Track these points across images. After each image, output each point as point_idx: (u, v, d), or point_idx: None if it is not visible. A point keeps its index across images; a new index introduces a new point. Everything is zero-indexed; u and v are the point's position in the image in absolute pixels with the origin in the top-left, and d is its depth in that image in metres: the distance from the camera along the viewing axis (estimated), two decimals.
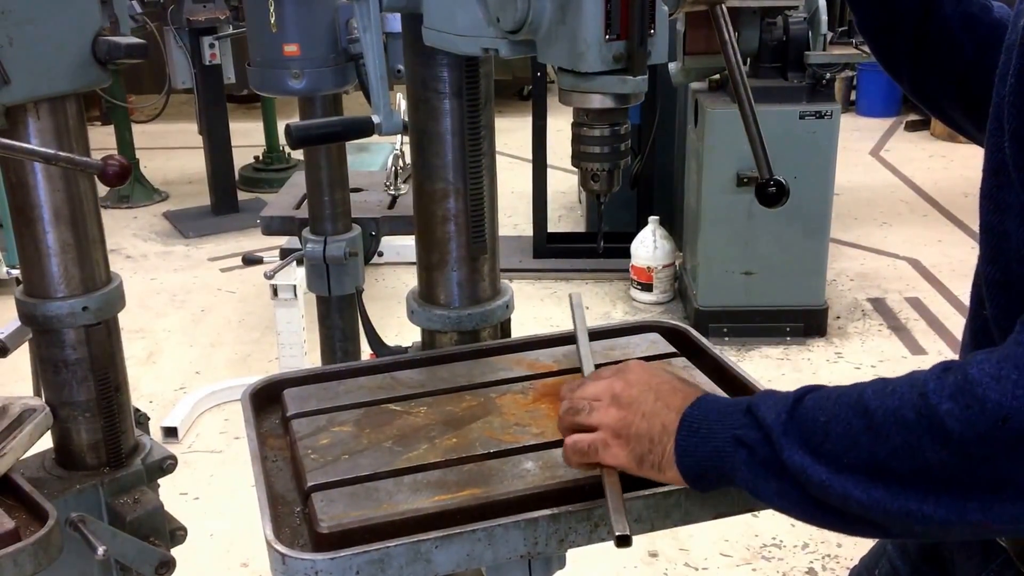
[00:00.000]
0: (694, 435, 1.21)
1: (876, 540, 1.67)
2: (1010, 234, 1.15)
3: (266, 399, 1.67)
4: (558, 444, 1.45)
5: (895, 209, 7.10)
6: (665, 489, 1.33)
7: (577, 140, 1.45)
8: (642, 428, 1.26)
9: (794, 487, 1.12)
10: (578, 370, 1.68)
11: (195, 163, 7.78)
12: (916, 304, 5.59)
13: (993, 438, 0.98)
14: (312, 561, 1.22)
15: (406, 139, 2.65)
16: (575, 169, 1.49)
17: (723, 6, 1.68)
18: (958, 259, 6.08)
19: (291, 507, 1.40)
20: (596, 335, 1.81)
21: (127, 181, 1.75)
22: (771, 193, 1.63)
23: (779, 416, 1.13)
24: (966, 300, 1.37)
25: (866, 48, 4.97)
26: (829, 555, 3.48)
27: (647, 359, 1.71)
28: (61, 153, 1.63)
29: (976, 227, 1.25)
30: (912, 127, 9.06)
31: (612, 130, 1.42)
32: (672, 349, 1.74)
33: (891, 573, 1.58)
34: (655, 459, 1.25)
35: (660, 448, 1.24)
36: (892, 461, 1.05)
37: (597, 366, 1.68)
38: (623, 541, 1.22)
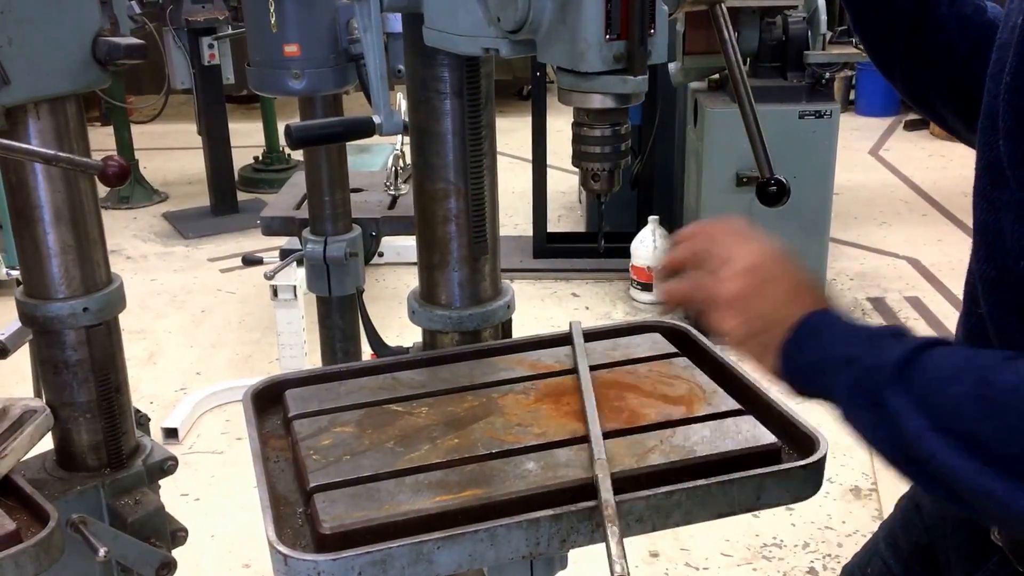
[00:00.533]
0: (811, 336, 1.19)
1: (869, 538, 1.68)
2: (1005, 232, 1.15)
3: (267, 400, 1.66)
4: (560, 444, 1.46)
5: (894, 208, 7.10)
6: (665, 489, 1.33)
7: (577, 140, 1.45)
8: (763, 308, 1.24)
9: (888, 427, 1.08)
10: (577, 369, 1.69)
11: (195, 164, 7.77)
12: (916, 303, 5.59)
13: None
14: (314, 562, 1.22)
15: (406, 139, 2.65)
16: (575, 169, 1.49)
17: (722, 5, 1.67)
18: (957, 258, 6.08)
19: (293, 508, 1.40)
20: (597, 335, 1.82)
21: (127, 182, 1.75)
22: (772, 192, 1.63)
23: (901, 356, 1.09)
24: None
25: None
26: (830, 555, 3.48)
27: (648, 359, 1.71)
28: (61, 154, 1.63)
29: None
30: (911, 126, 9.06)
31: (613, 130, 1.42)
32: (673, 349, 1.74)
33: (883, 571, 1.58)
34: (765, 340, 1.22)
35: (774, 334, 1.21)
36: (997, 439, 1.00)
37: (600, 366, 1.68)
38: None
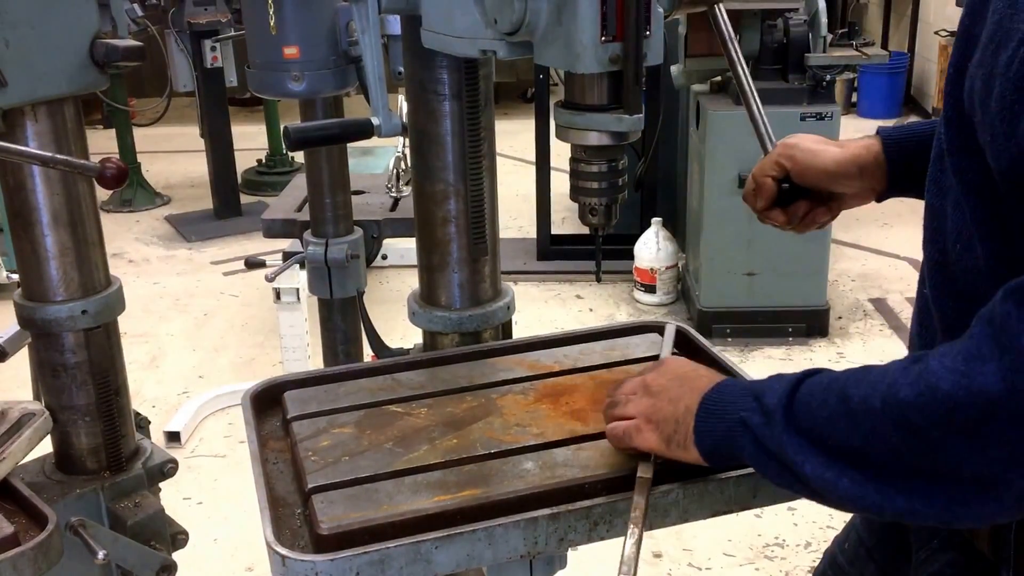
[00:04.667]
0: (710, 416, 1.26)
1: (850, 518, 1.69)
2: (947, 215, 1.20)
3: (267, 401, 1.67)
4: (558, 444, 1.46)
5: (895, 210, 7.08)
6: (663, 488, 1.33)
7: (575, 175, 1.47)
8: (668, 412, 1.32)
9: (787, 470, 1.16)
10: (579, 371, 1.69)
11: (197, 166, 7.78)
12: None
13: (945, 425, 1.01)
14: (312, 562, 1.22)
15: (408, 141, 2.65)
16: None
17: (721, 6, 1.68)
18: None
19: (292, 509, 1.40)
20: (597, 336, 1.82)
21: (125, 183, 1.76)
22: (785, 191, 1.64)
23: (780, 401, 1.17)
24: None
25: (866, 50, 4.99)
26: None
27: (647, 359, 1.71)
28: (59, 156, 1.63)
29: None
30: None
31: (609, 166, 1.44)
32: (672, 349, 1.74)
33: (857, 544, 1.62)
34: (680, 439, 1.29)
35: (684, 428, 1.29)
36: (865, 447, 1.09)
37: (598, 367, 1.68)
38: None
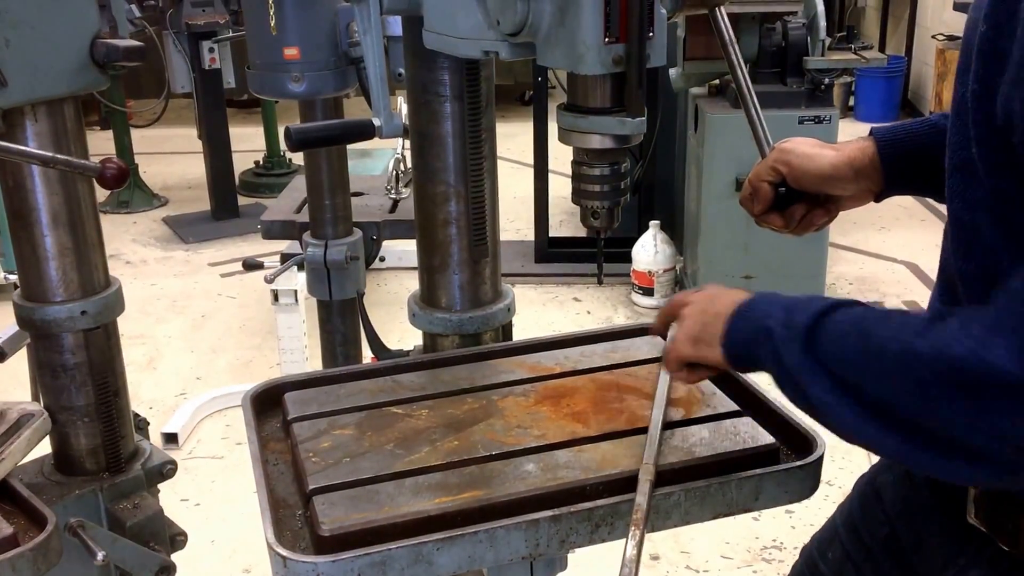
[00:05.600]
0: (741, 318, 1.30)
1: (827, 520, 1.68)
2: (981, 230, 1.19)
3: (267, 403, 1.66)
4: (559, 446, 1.46)
5: (893, 213, 7.09)
6: (664, 490, 1.33)
7: (577, 178, 1.46)
8: (697, 316, 1.38)
9: (796, 387, 1.20)
10: (580, 372, 1.69)
11: (195, 168, 7.76)
12: (914, 308, 5.59)
13: (949, 386, 1.03)
14: (313, 564, 1.22)
15: (408, 143, 2.64)
16: None
17: (722, 8, 1.68)
18: None
19: (292, 510, 1.40)
20: (599, 338, 1.82)
21: (125, 184, 1.75)
22: (782, 195, 1.64)
23: (807, 320, 1.19)
24: None
25: (865, 54, 5.00)
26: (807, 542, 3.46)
27: (649, 361, 1.71)
28: (59, 156, 1.62)
29: None
30: None
31: (612, 169, 1.44)
32: None
33: (843, 558, 1.59)
34: (708, 337, 1.34)
35: (712, 328, 1.33)
36: (872, 386, 1.11)
37: (599, 368, 1.68)
38: None
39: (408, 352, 2.02)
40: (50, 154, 1.64)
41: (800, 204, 1.64)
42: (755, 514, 3.62)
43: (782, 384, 1.23)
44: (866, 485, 1.58)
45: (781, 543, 3.61)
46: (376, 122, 1.68)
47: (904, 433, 1.10)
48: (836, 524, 1.63)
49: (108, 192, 7.03)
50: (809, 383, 1.17)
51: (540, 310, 5.57)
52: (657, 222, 5.55)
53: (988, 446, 1.04)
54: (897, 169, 1.55)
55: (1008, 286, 1.04)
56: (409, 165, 3.41)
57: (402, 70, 1.80)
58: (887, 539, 1.49)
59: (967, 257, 1.23)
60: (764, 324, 1.24)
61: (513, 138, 7.42)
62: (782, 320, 1.23)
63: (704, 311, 1.37)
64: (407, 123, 1.78)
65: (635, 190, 5.84)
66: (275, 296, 4.22)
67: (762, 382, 1.60)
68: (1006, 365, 0.99)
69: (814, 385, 1.16)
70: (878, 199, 1.62)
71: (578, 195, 1.48)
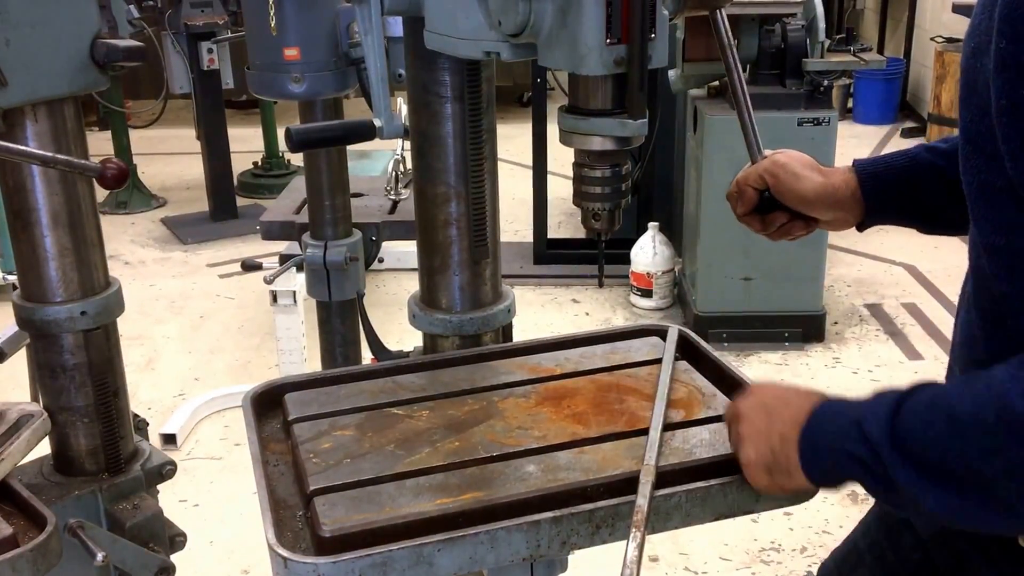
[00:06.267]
0: (816, 450, 1.25)
1: (846, 539, 1.67)
2: (1020, 253, 1.17)
3: (267, 403, 1.66)
4: (560, 447, 1.46)
5: None
6: (665, 492, 1.33)
7: (578, 180, 1.46)
8: (760, 440, 1.31)
9: (907, 498, 1.15)
10: (580, 374, 1.69)
11: (193, 169, 7.76)
12: (912, 309, 5.59)
13: None
14: (314, 564, 1.22)
15: (407, 144, 2.64)
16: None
17: (722, 11, 1.68)
18: (953, 264, 6.08)
19: (293, 511, 1.40)
20: (598, 339, 1.82)
21: (125, 184, 1.74)
22: (766, 200, 1.67)
23: (884, 430, 1.15)
24: None
25: (864, 56, 5.00)
26: (825, 559, 3.46)
27: (648, 363, 1.71)
28: (59, 156, 1.62)
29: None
30: (908, 134, 9.06)
31: (613, 171, 1.44)
32: (675, 353, 1.74)
33: None
34: (782, 467, 1.29)
35: (783, 457, 1.28)
36: (981, 466, 1.05)
37: (600, 370, 1.68)
38: None
39: (408, 353, 2.02)
40: (50, 154, 1.64)
41: (781, 213, 1.67)
42: (753, 516, 3.63)
43: (892, 503, 1.19)
44: (891, 514, 1.57)
45: (780, 545, 3.61)
46: (377, 123, 1.68)
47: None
48: (859, 548, 1.62)
49: (106, 193, 7.02)
50: (923, 496, 1.12)
51: (539, 311, 5.57)
52: (656, 224, 5.56)
53: None
54: (879, 202, 1.59)
55: None
56: (408, 166, 3.41)
57: (402, 71, 1.79)
58: (920, 564, 1.48)
59: (1011, 280, 1.19)
60: (843, 448, 1.20)
61: (512, 139, 7.42)
62: (858, 439, 1.17)
63: (766, 433, 1.31)
64: (407, 124, 1.78)
65: (634, 191, 5.85)
66: (273, 297, 4.21)
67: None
68: None
69: (928, 496, 1.11)
70: (860, 228, 1.66)
71: (579, 197, 1.48)
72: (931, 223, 1.61)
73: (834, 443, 1.22)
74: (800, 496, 1.39)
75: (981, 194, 1.19)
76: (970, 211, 1.23)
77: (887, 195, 1.58)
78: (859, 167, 1.60)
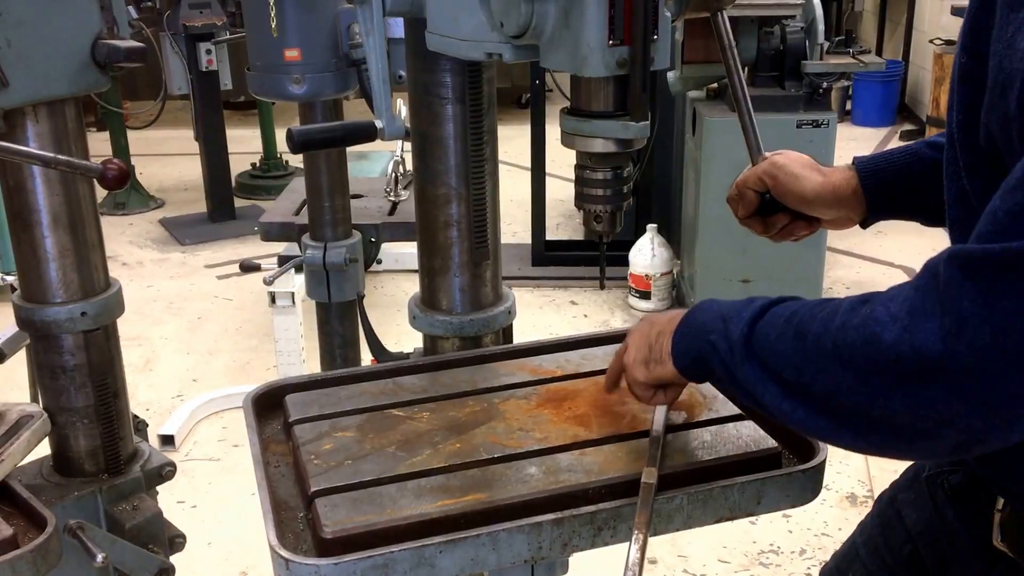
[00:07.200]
0: (685, 336, 1.33)
1: (847, 540, 1.68)
2: None
3: (268, 405, 1.66)
4: (561, 449, 1.46)
5: None
6: (667, 494, 1.33)
7: (580, 182, 1.47)
8: (641, 340, 1.40)
9: (749, 396, 1.22)
10: (581, 375, 1.69)
11: (191, 170, 7.76)
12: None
13: (886, 375, 1.04)
14: (316, 566, 1.22)
15: (407, 146, 2.63)
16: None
17: (723, 13, 1.68)
18: None
19: (294, 512, 1.40)
20: (599, 340, 1.82)
21: (126, 185, 1.74)
22: (767, 202, 1.67)
23: (742, 330, 1.22)
24: None
25: (863, 58, 5.00)
26: (827, 561, 3.46)
27: None
28: (60, 156, 1.62)
29: None
30: (907, 136, 9.07)
31: (615, 173, 1.44)
32: None
33: None
34: (656, 356, 1.37)
35: (659, 347, 1.36)
36: (814, 383, 1.12)
37: (600, 371, 1.68)
38: None
39: (408, 355, 2.02)
40: (51, 155, 1.63)
41: (783, 214, 1.68)
42: (752, 518, 3.62)
43: (736, 395, 1.26)
44: (887, 505, 1.58)
45: (778, 547, 3.61)
46: (378, 124, 1.68)
47: (853, 425, 1.11)
48: (856, 544, 1.64)
49: (105, 193, 7.01)
50: (761, 392, 1.18)
51: (537, 313, 5.57)
52: (655, 225, 5.56)
53: (936, 430, 1.04)
54: (880, 198, 1.59)
55: (928, 266, 1.05)
56: (408, 168, 3.41)
57: (403, 72, 1.79)
58: (910, 557, 1.49)
59: None
60: (707, 338, 1.26)
61: (510, 141, 7.40)
62: (722, 332, 1.24)
63: (646, 334, 1.39)
64: (408, 125, 1.78)
65: (632, 193, 5.85)
66: (272, 298, 4.21)
67: None
68: (934, 346, 0.99)
69: (765, 394, 1.18)
70: (863, 225, 1.66)
71: (581, 199, 1.48)
72: (934, 217, 1.61)
73: (700, 332, 1.28)
74: (800, 497, 1.39)
75: (956, 200, 1.23)
76: (947, 216, 1.27)
77: (888, 190, 1.58)
78: (859, 164, 1.60)
